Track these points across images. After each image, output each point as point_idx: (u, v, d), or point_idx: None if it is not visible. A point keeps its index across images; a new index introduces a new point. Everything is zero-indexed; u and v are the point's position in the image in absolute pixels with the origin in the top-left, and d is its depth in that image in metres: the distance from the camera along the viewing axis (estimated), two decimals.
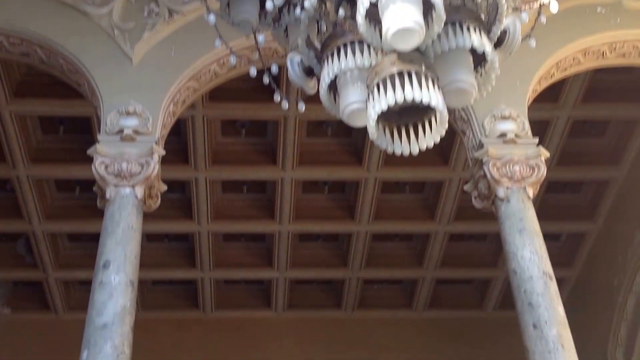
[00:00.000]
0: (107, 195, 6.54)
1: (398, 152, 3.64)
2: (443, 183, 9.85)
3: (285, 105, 4.06)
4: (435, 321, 11.49)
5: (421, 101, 3.43)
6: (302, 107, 4.12)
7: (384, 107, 3.42)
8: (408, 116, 3.69)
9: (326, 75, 3.56)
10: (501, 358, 11.14)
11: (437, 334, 11.39)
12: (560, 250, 10.63)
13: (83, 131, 9.12)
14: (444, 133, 3.60)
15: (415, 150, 3.63)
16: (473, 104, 6.94)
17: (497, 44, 3.68)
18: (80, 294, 10.61)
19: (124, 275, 6.14)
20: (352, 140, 9.67)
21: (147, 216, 6.93)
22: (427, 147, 3.67)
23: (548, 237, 6.70)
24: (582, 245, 10.55)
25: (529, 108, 7.21)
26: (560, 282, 6.61)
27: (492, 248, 10.86)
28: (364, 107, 3.54)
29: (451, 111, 7.13)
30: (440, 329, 11.42)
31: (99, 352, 5.82)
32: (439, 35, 3.47)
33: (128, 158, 6.63)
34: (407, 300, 11.54)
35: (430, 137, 3.64)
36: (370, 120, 3.48)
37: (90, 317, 6.02)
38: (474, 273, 11.17)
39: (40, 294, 10.87)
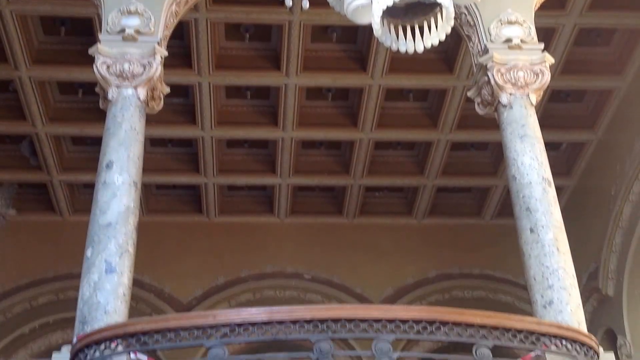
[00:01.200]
0: (109, 96, 6.53)
1: (403, 49, 3.64)
2: (447, 91, 9.82)
3: (289, 2, 4.03)
4: (435, 228, 11.65)
5: None
6: (306, 3, 4.08)
7: (389, 3, 3.40)
8: (413, 14, 3.67)
9: None
10: (497, 264, 11.35)
11: (436, 240, 11.56)
12: (560, 160, 10.69)
13: (84, 33, 9.05)
14: (449, 30, 3.59)
15: (420, 48, 3.62)
16: (480, 8, 6.92)
17: None
18: (85, 197, 10.73)
19: (127, 176, 6.19)
20: (357, 47, 9.59)
21: (150, 120, 6.94)
22: (432, 45, 3.66)
23: (548, 146, 6.73)
24: (582, 155, 10.60)
25: (535, 14, 7.13)
26: (558, 191, 6.66)
27: (493, 157, 10.92)
28: (368, 3, 3.52)
29: (457, 16, 7.08)
30: (439, 236, 11.59)
31: (103, 250, 5.91)
32: None
33: (130, 58, 6.59)
34: (407, 207, 11.68)
35: (435, 35, 3.62)
36: (375, 16, 3.46)
37: (94, 216, 6.09)
38: (474, 181, 11.26)
39: (45, 196, 10.99)
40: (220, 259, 11.33)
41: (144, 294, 11.05)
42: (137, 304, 10.73)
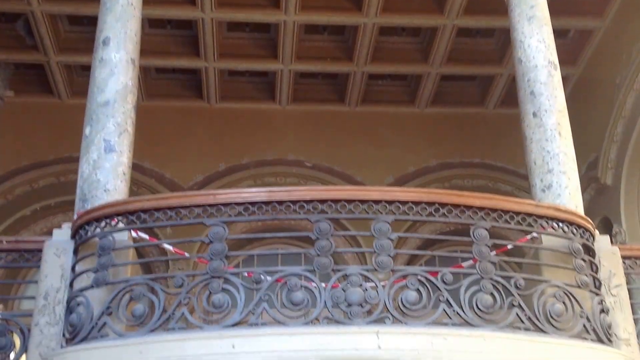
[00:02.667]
0: None
1: None
2: None
3: None
4: (437, 117, 11.58)
5: None
6: None
7: None
8: None
9: None
10: (498, 153, 11.34)
11: (437, 129, 11.51)
12: (567, 48, 10.50)
13: None
14: None
15: None
16: None
17: None
18: (83, 79, 10.57)
19: (125, 53, 6.08)
20: None
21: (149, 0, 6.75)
22: None
23: (556, 33, 6.57)
24: (589, 43, 10.40)
25: None
26: (564, 80, 6.55)
27: (499, 45, 10.73)
28: None
29: None
30: (441, 125, 11.53)
31: (101, 129, 5.87)
32: None
33: None
34: (410, 96, 11.57)
35: None
36: None
37: (92, 94, 6.02)
38: (479, 70, 11.10)
39: (42, 77, 10.85)
40: (221, 146, 11.31)
41: (145, 179, 11.08)
42: (138, 189, 10.78)
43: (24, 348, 5.33)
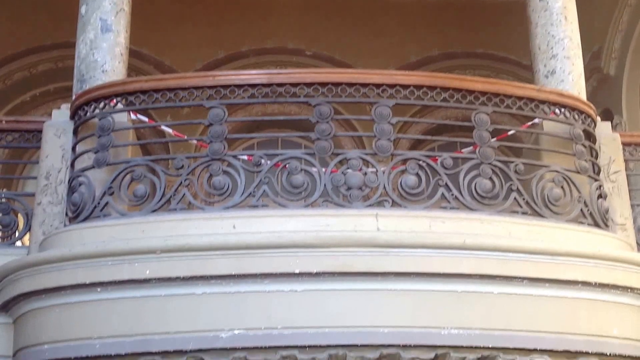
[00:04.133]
0: None
1: None
2: None
3: None
4: (440, 5, 11.35)
5: None
6: None
7: None
8: None
9: None
10: (501, 44, 11.19)
11: (440, 18, 11.31)
12: None
13: None
14: None
15: None
16: None
17: None
18: None
19: None
20: None
21: None
22: None
23: None
24: None
25: None
26: None
27: None
28: None
29: None
30: (443, 14, 11.31)
31: (97, 8, 5.78)
32: None
33: None
34: None
35: None
36: None
37: None
38: None
39: None
40: (220, 32, 11.12)
41: (144, 65, 10.97)
42: (137, 75, 10.68)
43: (28, 227, 5.40)
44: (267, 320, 4.64)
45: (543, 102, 5.24)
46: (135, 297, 4.73)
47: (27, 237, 5.53)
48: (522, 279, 4.74)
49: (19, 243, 5.67)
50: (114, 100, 5.25)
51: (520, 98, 5.18)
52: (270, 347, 4.63)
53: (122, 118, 5.38)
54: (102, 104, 5.26)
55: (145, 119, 5.65)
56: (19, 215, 5.52)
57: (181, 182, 4.94)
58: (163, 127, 5.79)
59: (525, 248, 4.75)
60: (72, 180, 5.25)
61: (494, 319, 4.74)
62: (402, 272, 4.68)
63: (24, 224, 5.44)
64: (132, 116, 5.52)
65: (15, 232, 5.51)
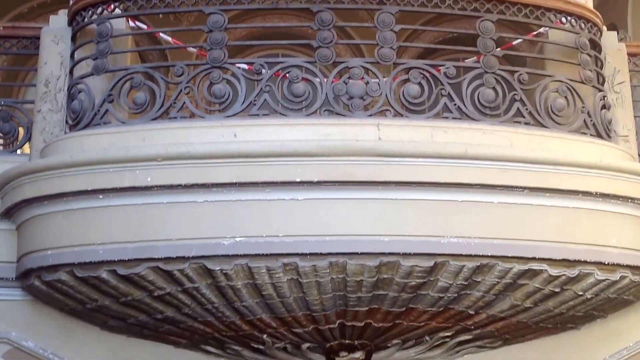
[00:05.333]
0: None
1: None
2: None
3: None
4: None
5: None
6: None
7: None
8: None
9: None
10: None
11: None
12: None
13: None
14: None
15: None
16: None
17: None
18: None
19: None
20: None
21: None
22: None
23: None
24: None
25: None
26: None
27: None
28: None
29: None
30: None
31: None
32: None
33: None
34: None
35: None
36: None
37: None
38: None
39: None
40: None
41: None
42: None
43: (28, 135, 5.38)
44: (268, 228, 4.67)
45: (549, 9, 5.15)
46: (137, 204, 4.75)
47: (27, 146, 5.53)
48: (523, 188, 4.73)
49: (19, 152, 5.68)
50: (112, 6, 5.16)
51: (525, 5, 5.08)
52: (271, 255, 4.67)
53: (121, 25, 5.30)
54: (99, 9, 5.18)
55: (145, 27, 5.58)
56: (20, 123, 5.50)
57: (181, 90, 4.90)
58: (162, 35, 5.71)
59: (527, 158, 4.73)
60: (72, 87, 5.21)
61: (493, 228, 4.76)
62: (403, 182, 4.67)
63: (25, 131, 5.42)
64: (131, 23, 5.44)
65: (16, 140, 5.50)
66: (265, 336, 5.22)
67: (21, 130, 5.53)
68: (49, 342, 5.37)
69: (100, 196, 4.75)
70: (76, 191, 4.78)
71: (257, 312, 4.99)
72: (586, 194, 4.83)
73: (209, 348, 5.42)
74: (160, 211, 4.72)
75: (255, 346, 5.33)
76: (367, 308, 4.99)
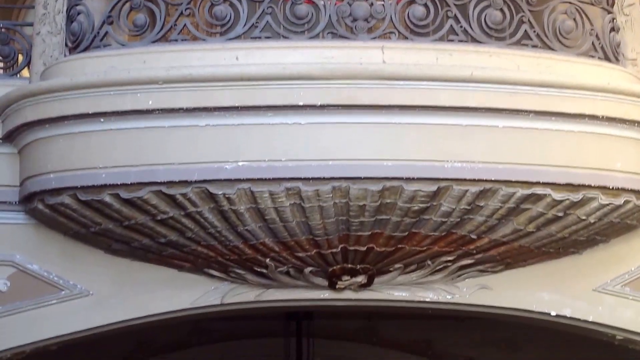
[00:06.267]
0: None
1: None
2: None
3: None
4: None
5: None
6: None
7: None
8: None
9: None
10: None
11: None
12: None
13: None
14: None
15: None
16: None
17: None
18: None
19: None
20: None
21: None
22: None
23: None
24: None
25: None
26: None
27: None
28: None
29: None
30: None
31: None
32: None
33: None
34: None
35: None
36: None
37: None
38: None
39: None
40: None
41: None
42: None
43: (28, 58, 5.32)
44: (270, 152, 4.65)
45: None
46: (139, 128, 4.73)
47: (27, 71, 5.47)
48: (529, 112, 4.70)
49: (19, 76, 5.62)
50: None
51: None
52: (274, 179, 4.66)
53: None
54: None
55: None
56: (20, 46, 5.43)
57: (181, 12, 4.82)
58: None
59: (534, 81, 4.69)
60: (70, 9, 5.13)
61: (498, 153, 4.74)
62: (408, 105, 4.63)
63: (24, 54, 5.36)
64: None
65: (15, 63, 5.44)
66: (268, 260, 5.23)
67: (20, 56, 5.46)
68: (53, 265, 5.41)
69: (102, 119, 4.73)
70: (77, 114, 4.76)
71: (260, 236, 5.00)
72: (592, 117, 4.79)
73: (212, 272, 5.45)
74: (162, 135, 4.70)
75: (259, 270, 5.35)
76: (370, 232, 5.00)
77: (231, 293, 5.54)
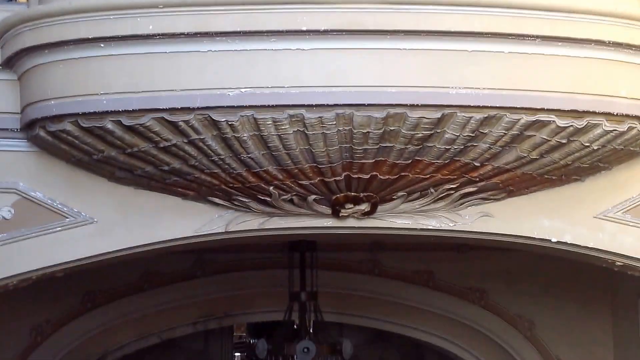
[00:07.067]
0: None
1: None
2: None
3: None
4: None
5: None
6: None
7: None
8: None
9: None
10: None
11: None
12: None
13: None
14: None
15: None
16: None
17: None
18: None
19: None
20: None
21: None
22: None
23: None
24: None
25: None
26: None
27: None
28: None
29: None
30: None
31: None
32: None
33: None
34: None
35: None
36: None
37: None
38: None
39: None
40: None
41: None
42: None
43: None
44: (274, 79, 4.61)
45: None
46: (140, 54, 4.67)
47: None
48: (536, 37, 4.63)
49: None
50: None
51: None
52: (277, 106, 4.63)
53: None
54: None
55: None
56: None
57: None
58: None
59: (541, 5, 4.60)
60: None
61: (503, 79, 4.69)
62: (412, 30, 4.57)
63: None
64: None
65: None
66: (271, 188, 5.24)
67: None
68: (57, 192, 5.41)
69: (102, 44, 4.67)
70: (77, 39, 4.70)
71: (264, 164, 5.00)
72: (599, 42, 4.73)
73: (216, 200, 5.46)
74: (164, 61, 4.65)
75: (262, 198, 5.36)
76: (373, 160, 4.99)
77: (235, 221, 5.56)
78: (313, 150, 4.86)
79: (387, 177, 5.17)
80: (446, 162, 5.06)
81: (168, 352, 13.19)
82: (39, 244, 5.40)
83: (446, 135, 4.81)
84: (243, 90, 4.61)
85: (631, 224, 5.61)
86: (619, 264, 5.78)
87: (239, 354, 15.46)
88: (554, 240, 5.65)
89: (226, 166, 5.04)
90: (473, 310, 10.02)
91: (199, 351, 14.09)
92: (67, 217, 5.44)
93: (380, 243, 9.89)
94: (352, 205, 5.42)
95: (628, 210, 5.62)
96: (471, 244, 9.34)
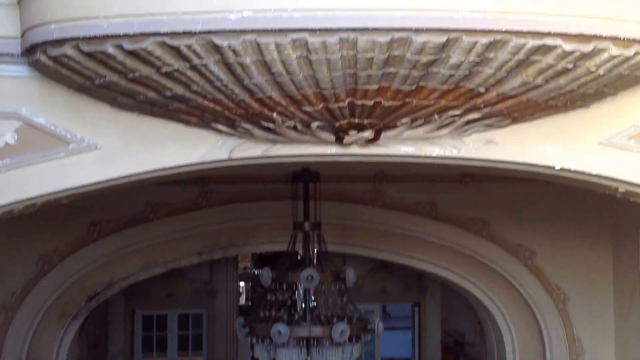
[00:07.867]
0: None
1: None
2: None
3: None
4: None
5: None
6: None
7: None
8: None
9: None
10: None
11: None
12: None
13: None
14: None
15: None
16: None
17: None
18: None
19: None
20: None
21: None
22: None
23: None
24: None
25: None
26: None
27: None
28: None
29: None
30: None
31: None
32: None
33: None
34: None
35: None
36: None
37: None
38: None
39: None
40: None
41: None
42: None
43: None
44: (276, 2, 4.54)
45: None
46: None
47: None
48: None
49: None
50: None
51: None
52: (280, 30, 4.56)
53: None
54: None
55: None
56: None
57: None
58: None
59: None
60: None
61: (509, 3, 4.61)
62: None
63: None
64: None
65: None
66: (275, 115, 5.21)
67: None
68: (59, 118, 5.39)
69: None
70: None
71: (267, 90, 4.96)
72: None
73: (219, 127, 5.44)
74: None
75: (266, 125, 5.34)
76: (377, 86, 4.95)
77: (239, 148, 5.55)
78: (316, 76, 4.81)
79: (391, 103, 5.14)
80: (451, 88, 5.02)
81: (174, 281, 13.36)
82: (43, 169, 5.40)
83: (451, 60, 4.75)
84: (245, 13, 4.53)
85: (635, 150, 5.59)
86: (622, 190, 5.77)
87: (243, 283, 15.64)
88: (557, 167, 5.64)
89: (229, 92, 5.00)
90: (475, 240, 10.10)
91: (204, 281, 14.27)
92: (70, 144, 5.43)
93: (383, 174, 9.92)
94: (355, 132, 5.39)
95: (633, 136, 5.59)
96: (474, 174, 9.36)
